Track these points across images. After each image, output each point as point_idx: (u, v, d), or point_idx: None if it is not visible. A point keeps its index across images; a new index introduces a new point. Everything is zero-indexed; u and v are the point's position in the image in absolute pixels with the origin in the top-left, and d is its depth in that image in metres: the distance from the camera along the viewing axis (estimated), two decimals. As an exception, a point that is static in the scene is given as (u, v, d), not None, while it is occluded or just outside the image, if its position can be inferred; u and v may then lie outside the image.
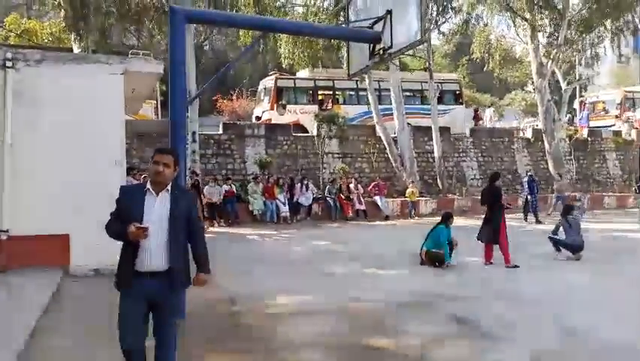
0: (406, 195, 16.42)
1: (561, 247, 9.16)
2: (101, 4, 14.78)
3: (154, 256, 3.11)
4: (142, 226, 3.00)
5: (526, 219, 14.91)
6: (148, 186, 3.20)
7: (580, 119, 25.33)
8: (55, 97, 7.17)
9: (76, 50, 14.37)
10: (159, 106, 22.29)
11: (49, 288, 5.90)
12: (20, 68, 7.03)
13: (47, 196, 6.95)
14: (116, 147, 7.51)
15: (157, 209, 3.14)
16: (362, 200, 15.67)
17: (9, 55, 6.95)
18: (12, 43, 16.70)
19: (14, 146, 6.88)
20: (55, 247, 6.97)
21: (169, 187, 3.20)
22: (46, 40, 18.72)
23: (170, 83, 5.27)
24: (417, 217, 15.77)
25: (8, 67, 6.90)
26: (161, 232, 3.11)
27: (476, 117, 24.36)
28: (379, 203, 15.85)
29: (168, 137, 5.48)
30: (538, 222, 14.48)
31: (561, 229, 9.21)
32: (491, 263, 8.50)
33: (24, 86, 7.02)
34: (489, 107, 27.08)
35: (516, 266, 8.28)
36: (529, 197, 15.16)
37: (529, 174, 16.72)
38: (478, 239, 8.69)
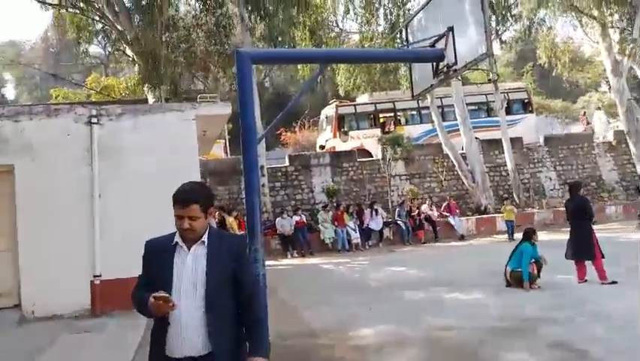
0: (503, 214, 14.87)
1: (664, 258, 8.29)
2: (170, 56, 15.82)
3: (188, 335, 2.30)
4: (163, 295, 2.20)
5: None
6: (177, 238, 2.43)
7: None
8: (136, 146, 7.68)
9: (150, 99, 15.43)
10: (228, 144, 23.23)
11: (138, 331, 6.16)
12: (104, 123, 7.62)
13: (133, 240, 7.33)
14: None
15: (189, 269, 2.36)
16: (434, 216, 15.26)
17: (94, 112, 7.57)
18: (94, 100, 18.26)
19: (103, 197, 7.39)
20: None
21: (205, 238, 2.42)
22: (123, 94, 20.29)
23: (241, 123, 5.44)
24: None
25: (94, 123, 7.50)
26: (196, 300, 2.31)
27: (585, 121, 23.01)
28: (453, 223, 15.32)
29: (242, 175, 5.62)
30: None
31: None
32: (585, 281, 7.86)
33: (108, 140, 7.58)
34: (598, 108, 25.24)
35: (614, 282, 7.59)
36: None
37: None
38: (566, 257, 8.06)
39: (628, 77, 19.27)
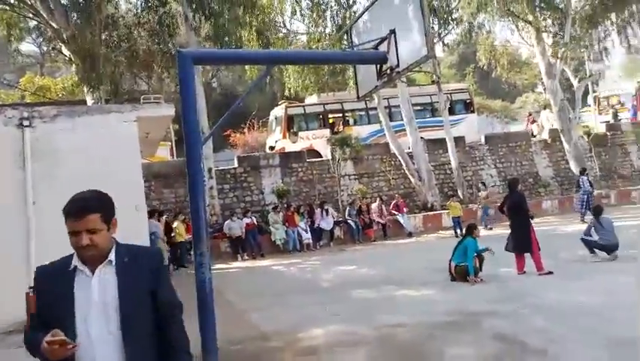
0: (449, 211, 15.22)
1: (595, 249, 8.85)
2: (110, 56, 15.17)
3: None
4: (57, 339, 1.78)
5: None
6: (75, 261, 2.00)
7: (630, 112, 24.73)
8: (73, 149, 7.30)
9: (89, 101, 14.74)
10: (174, 146, 22.63)
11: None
12: (37, 125, 7.20)
13: (71, 248, 6.99)
14: (135, 193, 7.57)
15: (96, 295, 1.94)
16: (384, 215, 15.54)
17: (25, 114, 7.14)
18: (28, 101, 17.24)
19: (37, 203, 6.98)
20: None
21: (112, 255, 2.01)
22: (60, 95, 19.28)
23: (183, 125, 5.29)
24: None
25: (25, 126, 7.07)
26: (110, 328, 1.92)
27: (531, 122, 24.00)
28: (402, 221, 15.65)
29: (186, 177, 5.47)
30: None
31: (593, 230, 8.91)
32: (524, 272, 8.24)
33: (42, 143, 7.17)
34: (544, 108, 26.40)
35: (550, 273, 8.01)
36: (582, 195, 14.56)
37: (580, 171, 16.04)
38: (507, 250, 8.44)
39: (560, 79, 20.42)
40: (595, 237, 8.86)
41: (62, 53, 16.12)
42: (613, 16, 21.57)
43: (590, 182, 15.12)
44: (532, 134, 22.36)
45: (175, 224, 12.85)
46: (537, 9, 19.27)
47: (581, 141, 20.72)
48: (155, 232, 11.98)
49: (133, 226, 7.32)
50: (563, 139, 19.64)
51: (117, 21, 16.60)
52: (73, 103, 14.29)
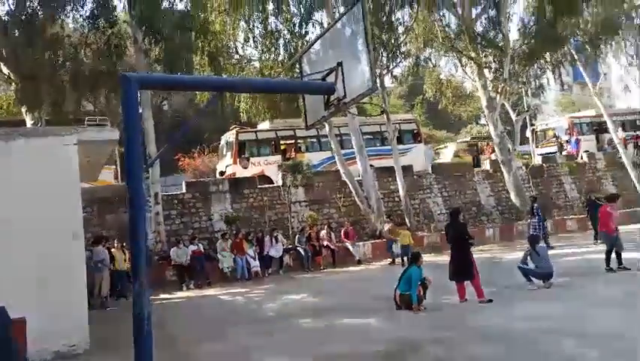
0: (400, 240, 14.77)
1: (531, 277, 9.24)
2: (53, 75, 14.63)
3: None
4: None
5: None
6: None
7: (568, 142, 26.21)
8: (8, 172, 6.92)
9: (29, 121, 14.09)
10: (119, 170, 21.87)
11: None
12: (-34, 147, 6.78)
13: (2, 279, 6.55)
14: (73, 220, 7.24)
15: None
16: (333, 242, 15.61)
17: (-46, 135, 6.72)
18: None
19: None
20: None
21: None
22: (-4, 114, 18.29)
23: (125, 151, 5.14)
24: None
25: (-47, 147, 6.64)
26: None
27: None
28: (351, 249, 15.76)
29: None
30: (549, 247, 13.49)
31: (529, 258, 9.31)
32: (466, 300, 8.46)
33: (-29, 166, 6.75)
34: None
35: (490, 300, 8.27)
36: (535, 223, 14.95)
37: (534, 196, 16.57)
38: (451, 279, 8.65)
39: (501, 112, 21.57)
40: (531, 265, 9.26)
41: (1, 72, 15.38)
42: (548, 55, 23.17)
43: (540, 210, 15.75)
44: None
45: (114, 252, 12.25)
46: (479, 46, 20.38)
47: (520, 171, 21.82)
48: (103, 260, 11.46)
49: (69, 254, 7.01)
50: (503, 170, 20.61)
51: (62, 40, 16.07)
52: (11, 124, 13.61)
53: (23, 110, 14.46)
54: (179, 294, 12.62)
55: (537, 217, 14.99)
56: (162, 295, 12.01)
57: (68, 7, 15.30)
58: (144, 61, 15.76)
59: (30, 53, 14.23)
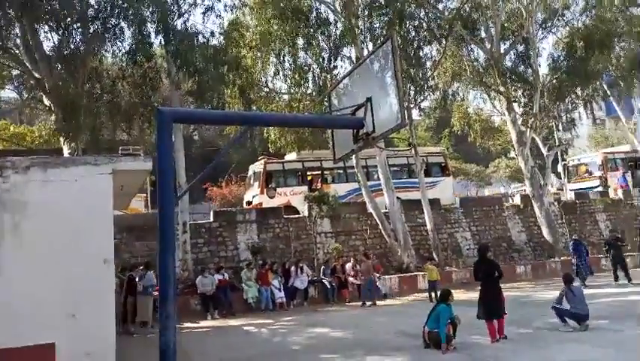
0: (427, 274, 14.71)
1: (566, 318, 8.88)
2: (91, 106, 15.24)
3: None
4: None
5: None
6: None
7: (618, 180, 25.56)
8: (44, 201, 7.14)
9: (66, 151, 14.62)
10: (149, 198, 22.35)
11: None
12: (8, 175, 7.06)
13: (33, 304, 6.69)
14: (105, 247, 7.37)
15: None
16: (359, 276, 15.37)
17: (-4, 164, 7.01)
18: (0, 148, 16.96)
19: (1, 256, 6.73)
20: (40, 359, 6.60)
21: None
22: (36, 143, 19.06)
23: (158, 183, 5.28)
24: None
25: (-4, 175, 6.93)
26: None
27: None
28: (377, 283, 15.49)
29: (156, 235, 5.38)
30: (584, 285, 13.32)
31: (564, 298, 8.97)
32: (497, 340, 8.19)
33: (12, 194, 7.01)
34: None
35: (505, 337, 8.17)
36: (574, 261, 14.79)
37: (574, 237, 16.14)
38: (478, 317, 8.43)
39: (531, 146, 21.23)
40: (566, 305, 8.91)
41: (42, 102, 16.13)
42: (579, 90, 22.87)
43: (585, 250, 15.37)
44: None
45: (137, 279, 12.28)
46: (508, 81, 20.31)
47: (552, 207, 21.27)
48: (152, 285, 11.54)
49: (99, 280, 7.11)
50: (534, 205, 20.13)
51: (101, 74, 16.82)
52: (49, 152, 14.18)
53: (62, 139, 15.03)
54: (204, 323, 12.59)
55: (572, 256, 14.69)
56: (187, 324, 12.01)
57: (109, 43, 16.06)
58: (177, 93, 16.29)
59: (71, 86, 14.89)
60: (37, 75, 14.78)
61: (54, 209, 7.17)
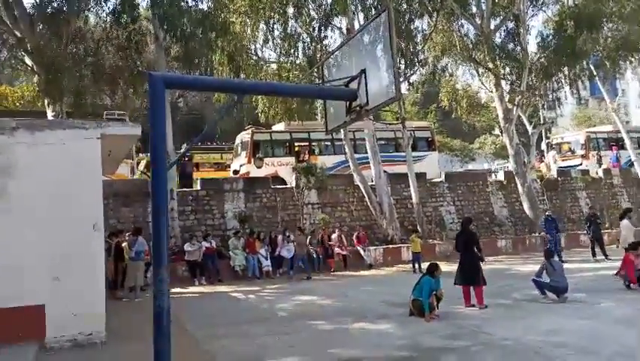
0: (410, 245, 15.22)
1: (546, 290, 9.21)
2: (75, 69, 14.85)
3: None
4: None
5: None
6: None
7: (611, 159, 25.97)
8: (31, 163, 7.06)
9: (50, 114, 14.31)
10: (136, 165, 22.10)
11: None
12: (-6, 137, 6.93)
13: (22, 265, 6.69)
14: (94, 212, 7.35)
15: None
16: (344, 246, 15.64)
17: (-18, 125, 6.87)
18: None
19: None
20: (30, 318, 6.64)
21: None
22: (17, 105, 18.58)
23: (151, 148, 5.24)
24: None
25: (-18, 137, 6.79)
26: None
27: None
28: (362, 253, 15.77)
29: (149, 197, 5.39)
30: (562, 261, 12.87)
31: (544, 271, 9.28)
32: (472, 306, 8.59)
33: (-2, 156, 6.90)
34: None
35: (485, 307, 8.53)
36: (548, 236, 15.14)
37: (546, 213, 16.28)
38: (455, 283, 8.87)
39: (516, 124, 21.44)
40: (546, 279, 9.22)
41: (24, 63, 15.65)
42: (566, 69, 23.00)
43: (556, 226, 15.68)
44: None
45: (124, 244, 12.16)
46: (497, 58, 20.32)
47: (534, 184, 21.67)
48: (143, 250, 11.52)
49: (88, 244, 7.13)
50: (517, 181, 20.49)
51: (85, 35, 16.31)
52: (32, 114, 13.86)
53: (45, 101, 14.69)
54: (192, 289, 12.74)
55: (545, 231, 15.12)
56: (175, 289, 12.10)
57: (92, 2, 15.54)
58: (164, 58, 15.94)
59: (54, 46, 14.46)
60: (17, 34, 14.30)
61: (42, 172, 7.10)
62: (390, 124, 22.57)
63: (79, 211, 7.15)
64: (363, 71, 6.21)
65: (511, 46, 21.29)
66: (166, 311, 4.62)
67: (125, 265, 11.74)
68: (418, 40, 19.86)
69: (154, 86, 5.33)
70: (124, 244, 12.02)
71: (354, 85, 6.29)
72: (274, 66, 20.01)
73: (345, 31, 18.23)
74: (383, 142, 21.37)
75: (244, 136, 21.13)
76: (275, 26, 18.60)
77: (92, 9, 15.96)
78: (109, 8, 15.93)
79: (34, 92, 16.20)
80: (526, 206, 20.38)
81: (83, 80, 15.95)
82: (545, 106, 28.64)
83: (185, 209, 16.32)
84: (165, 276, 4.73)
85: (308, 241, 15.57)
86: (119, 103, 21.24)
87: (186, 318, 8.68)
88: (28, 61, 15.15)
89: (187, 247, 13.64)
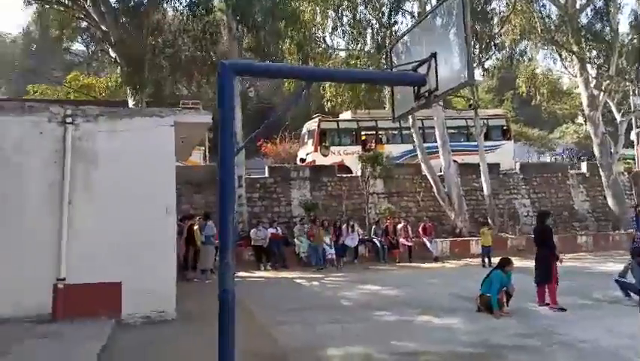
0: (480, 238, 14.65)
1: (630, 292, 8.46)
2: (154, 60, 15.63)
3: None
4: None
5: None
6: None
7: None
8: (111, 150, 7.51)
9: (131, 102, 15.18)
10: (207, 152, 23.01)
11: (100, 338, 5.95)
12: (79, 123, 7.44)
13: (102, 245, 7.17)
14: (168, 196, 7.71)
15: None
16: (410, 238, 15.33)
17: (69, 112, 7.39)
18: (72, 98, 17.88)
19: (72, 198, 7.19)
20: (108, 295, 7.11)
21: None
22: (102, 94, 19.91)
23: (220, 134, 5.35)
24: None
25: (68, 123, 7.31)
26: None
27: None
28: (428, 245, 15.38)
29: (217, 184, 5.52)
30: None
31: (629, 271, 8.53)
32: (546, 304, 8.10)
33: (82, 142, 7.40)
34: None
35: (563, 309, 7.88)
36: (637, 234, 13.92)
37: (638, 209, 14.99)
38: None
39: (603, 112, 19.84)
40: (631, 279, 8.48)
41: (109, 55, 16.72)
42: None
43: None
44: None
45: (196, 227, 12.54)
46: (582, 40, 18.83)
47: (622, 177, 20.00)
48: (212, 235, 11.99)
49: (161, 227, 7.50)
50: (602, 174, 19.01)
51: (163, 27, 17.11)
52: (115, 104, 14.78)
53: (127, 91, 15.60)
54: (257, 273, 13.08)
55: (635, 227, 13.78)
56: (241, 273, 12.48)
57: (170, -5, 16.24)
58: (236, 48, 16.34)
59: (135, 39, 15.29)
60: (103, 28, 15.27)
61: (121, 158, 7.53)
62: (462, 110, 21.67)
63: (153, 195, 7.52)
64: (434, 55, 5.92)
65: (598, 26, 19.63)
66: (231, 294, 4.74)
67: (197, 249, 12.26)
68: (495, 23, 18.83)
69: (224, 73, 5.42)
70: (195, 227, 12.51)
71: (423, 70, 6.05)
72: (343, 54, 19.89)
73: (416, 16, 17.67)
74: (454, 131, 20.60)
75: (311, 125, 21.25)
76: (344, 13, 18.45)
77: (169, 1, 16.71)
78: (185, 0, 16.59)
79: (117, 83, 17.25)
80: (610, 201, 18.89)
81: (162, 70, 16.78)
82: (637, 92, 26.19)
83: (253, 196, 16.75)
84: (230, 260, 4.84)
85: (373, 231, 15.44)
86: (194, 93, 22.17)
87: (251, 301, 8.90)
88: (112, 53, 16.16)
89: (253, 233, 13.99)
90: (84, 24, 18.18)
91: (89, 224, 7.21)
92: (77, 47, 27.49)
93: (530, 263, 10.36)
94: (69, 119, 7.35)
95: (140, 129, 7.74)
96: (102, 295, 7.02)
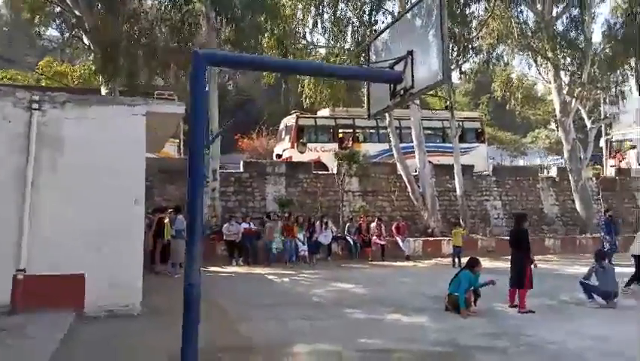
0: (452, 238, 14.83)
1: (594, 294, 8.67)
2: (130, 49, 15.25)
3: None
4: None
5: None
6: None
7: None
8: (79, 137, 7.28)
9: (103, 91, 14.80)
10: (182, 144, 22.66)
11: (60, 331, 5.77)
12: (46, 109, 7.18)
13: (65, 235, 6.94)
14: (136, 187, 7.52)
15: None
16: (383, 236, 15.39)
17: (36, 97, 7.13)
18: (43, 85, 17.32)
19: (35, 186, 6.94)
20: (70, 287, 6.90)
21: None
22: (76, 83, 19.35)
23: (190, 125, 5.23)
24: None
25: (34, 109, 7.05)
26: None
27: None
28: (400, 244, 15.48)
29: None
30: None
31: (594, 275, 8.73)
32: (515, 306, 8.17)
33: (48, 128, 7.15)
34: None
35: (531, 311, 7.94)
36: (607, 238, 14.04)
37: (608, 214, 15.21)
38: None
39: (574, 118, 20.30)
40: (594, 282, 8.68)
41: (83, 42, 16.24)
42: (633, 61, 21.48)
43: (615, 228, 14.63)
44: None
45: (166, 220, 12.24)
46: (557, 47, 19.21)
47: (590, 182, 20.52)
48: (183, 228, 11.67)
49: (129, 218, 7.31)
50: (571, 179, 19.46)
51: (140, 15, 16.69)
52: (87, 92, 14.37)
53: (100, 79, 15.19)
54: (229, 268, 12.94)
55: (604, 233, 14.13)
56: (212, 268, 12.34)
57: (148, -17, 15.86)
58: (215, 40, 16.09)
59: (110, 26, 14.87)
60: (77, 13, 14.81)
61: (89, 146, 7.30)
62: (437, 110, 21.89)
63: (121, 186, 7.33)
64: (411, 53, 5.93)
65: (573, 34, 20.04)
66: (196, 288, 4.63)
67: (166, 242, 12.02)
68: (473, 27, 19.06)
69: (197, 62, 5.30)
70: (166, 221, 12.27)
71: (399, 67, 6.04)
72: (322, 51, 19.83)
73: (396, 16, 17.73)
74: (430, 132, 20.80)
75: (289, 120, 21.14)
76: (325, 10, 18.39)
77: (147, -11, 16.31)
78: (164, -11, 16.21)
79: (90, 71, 16.78)
80: (578, 205, 19.36)
81: (137, 60, 16.37)
82: (607, 100, 26.89)
83: (227, 190, 16.55)
84: (196, 254, 4.73)
85: (347, 229, 15.46)
86: (172, 84, 21.74)
87: (222, 297, 8.78)
88: (86, 40, 15.70)
89: (225, 228, 13.82)
90: (58, 9, 17.62)
91: (53, 213, 6.98)
92: (52, 32, 26.67)
93: (500, 264, 10.57)
94: (35, 105, 7.09)
95: (110, 118, 7.53)
96: (64, 287, 6.81)
